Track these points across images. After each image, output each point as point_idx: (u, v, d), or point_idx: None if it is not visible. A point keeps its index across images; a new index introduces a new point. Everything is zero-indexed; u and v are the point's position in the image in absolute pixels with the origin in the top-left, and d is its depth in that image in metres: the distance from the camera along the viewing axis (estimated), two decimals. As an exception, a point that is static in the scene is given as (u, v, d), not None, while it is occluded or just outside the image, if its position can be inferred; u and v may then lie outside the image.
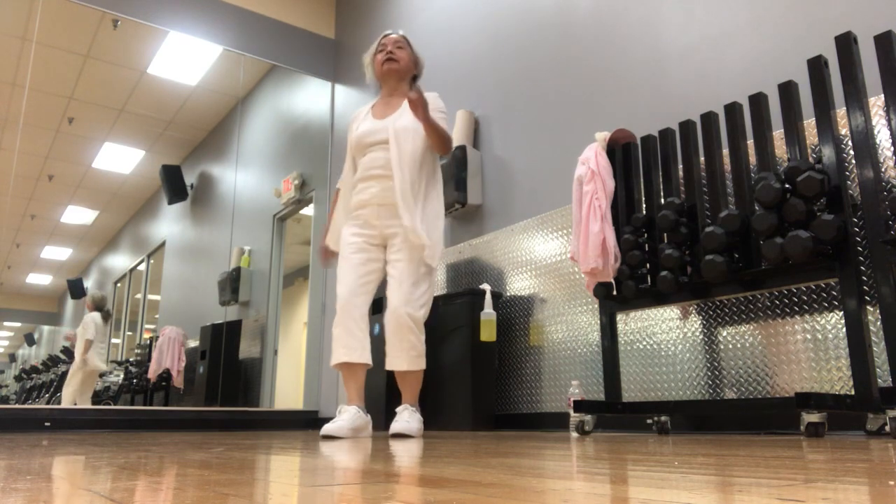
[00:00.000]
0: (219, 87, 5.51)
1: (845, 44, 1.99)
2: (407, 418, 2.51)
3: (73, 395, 4.64)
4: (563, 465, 1.01)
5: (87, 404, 4.69)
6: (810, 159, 2.17)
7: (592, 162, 2.67)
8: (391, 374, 3.36)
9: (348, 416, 2.46)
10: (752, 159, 2.47)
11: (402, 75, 2.81)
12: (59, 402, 4.65)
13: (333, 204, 2.98)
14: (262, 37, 5.40)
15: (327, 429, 2.39)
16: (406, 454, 1.34)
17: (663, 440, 1.90)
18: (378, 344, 3.23)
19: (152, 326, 5.34)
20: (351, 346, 2.52)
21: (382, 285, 2.73)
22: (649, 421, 2.68)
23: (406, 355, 2.55)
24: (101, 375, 4.92)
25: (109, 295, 5.33)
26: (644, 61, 3.04)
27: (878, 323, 2.03)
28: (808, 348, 2.22)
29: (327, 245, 2.90)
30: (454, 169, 3.82)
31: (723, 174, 2.37)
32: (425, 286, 2.62)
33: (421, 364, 2.59)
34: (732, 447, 1.44)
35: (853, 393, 1.87)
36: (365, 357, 2.56)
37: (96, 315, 4.90)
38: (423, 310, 2.61)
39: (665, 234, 2.46)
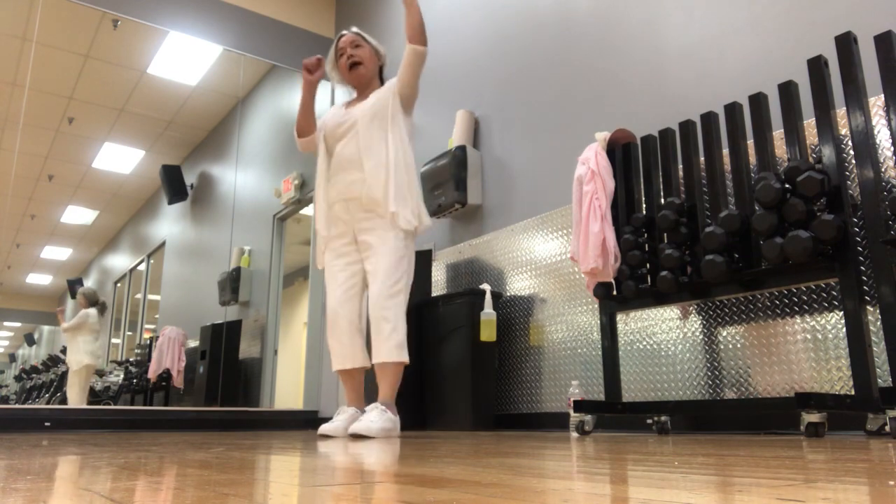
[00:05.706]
0: (219, 87, 5.50)
1: (845, 44, 1.99)
2: (373, 417, 2.36)
3: (77, 396, 4.62)
4: (563, 465, 1.01)
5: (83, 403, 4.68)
6: (810, 159, 2.17)
7: (592, 162, 2.67)
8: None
9: (345, 416, 2.57)
10: (752, 159, 2.47)
11: (369, 74, 2.82)
12: (58, 402, 4.65)
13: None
14: (262, 37, 5.40)
15: (324, 428, 2.50)
16: (404, 454, 1.34)
17: (663, 440, 1.90)
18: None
19: (152, 326, 5.34)
20: (342, 354, 2.65)
21: None
22: (649, 421, 2.68)
23: (384, 346, 2.48)
24: (101, 375, 4.92)
25: (109, 295, 5.33)
26: (644, 61, 3.04)
27: (878, 323, 2.03)
28: (808, 348, 2.22)
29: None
30: (454, 169, 3.82)
31: (723, 174, 2.37)
32: (403, 267, 2.55)
33: (400, 355, 2.49)
34: (732, 447, 1.44)
35: (853, 393, 1.87)
36: (357, 362, 2.65)
37: (91, 311, 4.87)
38: (400, 297, 2.53)
39: (665, 234, 2.46)
